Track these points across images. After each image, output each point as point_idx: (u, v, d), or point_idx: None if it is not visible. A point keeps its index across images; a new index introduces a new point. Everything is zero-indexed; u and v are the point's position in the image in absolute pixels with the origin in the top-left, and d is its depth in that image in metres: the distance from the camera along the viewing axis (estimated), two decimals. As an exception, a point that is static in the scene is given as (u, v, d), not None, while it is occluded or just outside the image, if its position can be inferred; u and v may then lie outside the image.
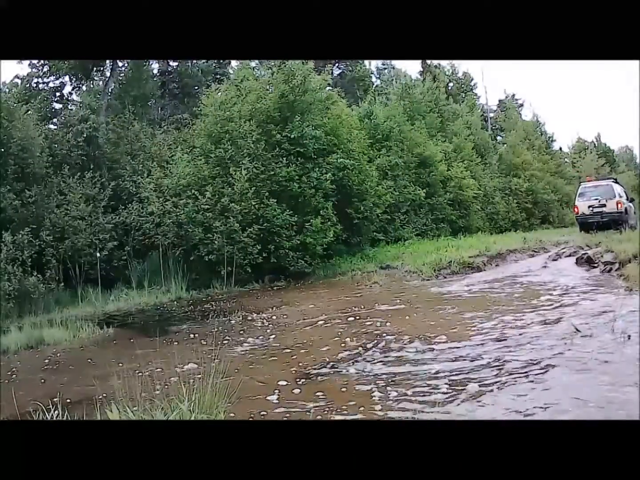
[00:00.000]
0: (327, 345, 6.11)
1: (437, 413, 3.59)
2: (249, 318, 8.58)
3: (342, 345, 6.00)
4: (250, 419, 3.76)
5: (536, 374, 4.22)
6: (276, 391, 4.49)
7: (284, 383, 4.74)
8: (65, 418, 3.29)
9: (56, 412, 3.30)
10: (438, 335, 5.82)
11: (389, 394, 4.15)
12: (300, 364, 5.39)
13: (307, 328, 7.35)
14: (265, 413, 3.95)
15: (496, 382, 4.17)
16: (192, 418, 3.02)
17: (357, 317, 7.54)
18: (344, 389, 4.46)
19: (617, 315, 5.31)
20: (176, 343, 6.93)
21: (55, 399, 3.37)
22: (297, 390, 4.52)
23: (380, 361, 5.21)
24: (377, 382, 4.53)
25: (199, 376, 3.41)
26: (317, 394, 4.35)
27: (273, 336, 7.06)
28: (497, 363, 4.66)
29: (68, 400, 4.22)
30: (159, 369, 5.15)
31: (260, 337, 7.02)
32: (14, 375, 6.34)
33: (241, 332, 7.47)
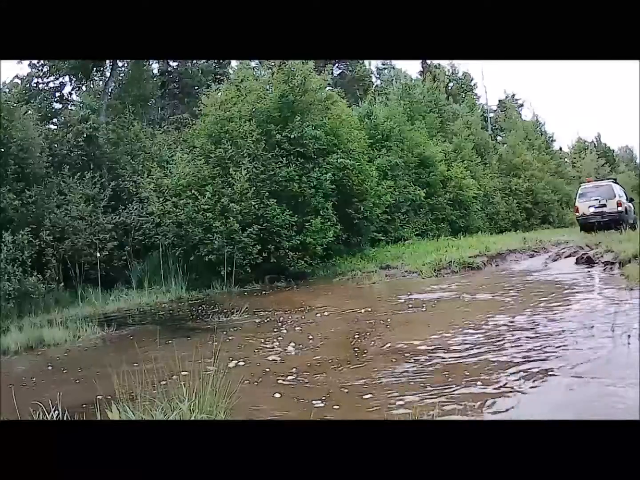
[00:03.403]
0: (330, 345, 6.11)
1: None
2: (253, 317, 8.57)
3: (348, 344, 6.01)
4: (250, 419, 3.76)
5: (536, 373, 4.22)
6: (283, 392, 4.49)
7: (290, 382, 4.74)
8: (65, 418, 3.29)
9: (56, 412, 3.30)
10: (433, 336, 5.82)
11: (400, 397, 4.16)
12: (304, 365, 5.39)
13: (309, 328, 7.34)
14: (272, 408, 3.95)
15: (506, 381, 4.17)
16: (192, 418, 3.02)
17: (358, 317, 7.53)
18: (345, 389, 4.46)
19: (617, 315, 5.31)
20: (177, 342, 6.92)
21: (55, 400, 3.37)
22: (303, 393, 4.51)
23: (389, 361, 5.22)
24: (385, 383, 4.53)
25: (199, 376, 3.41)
26: (321, 393, 4.35)
27: (278, 336, 7.05)
28: (506, 362, 4.66)
29: (68, 401, 4.22)
30: (159, 370, 5.13)
31: (263, 338, 7.01)
32: (14, 376, 6.33)
33: (244, 332, 7.47)
